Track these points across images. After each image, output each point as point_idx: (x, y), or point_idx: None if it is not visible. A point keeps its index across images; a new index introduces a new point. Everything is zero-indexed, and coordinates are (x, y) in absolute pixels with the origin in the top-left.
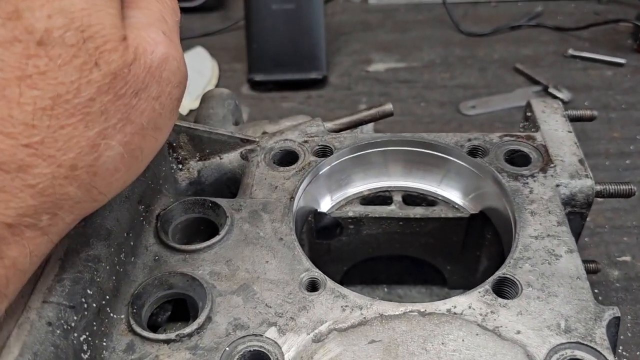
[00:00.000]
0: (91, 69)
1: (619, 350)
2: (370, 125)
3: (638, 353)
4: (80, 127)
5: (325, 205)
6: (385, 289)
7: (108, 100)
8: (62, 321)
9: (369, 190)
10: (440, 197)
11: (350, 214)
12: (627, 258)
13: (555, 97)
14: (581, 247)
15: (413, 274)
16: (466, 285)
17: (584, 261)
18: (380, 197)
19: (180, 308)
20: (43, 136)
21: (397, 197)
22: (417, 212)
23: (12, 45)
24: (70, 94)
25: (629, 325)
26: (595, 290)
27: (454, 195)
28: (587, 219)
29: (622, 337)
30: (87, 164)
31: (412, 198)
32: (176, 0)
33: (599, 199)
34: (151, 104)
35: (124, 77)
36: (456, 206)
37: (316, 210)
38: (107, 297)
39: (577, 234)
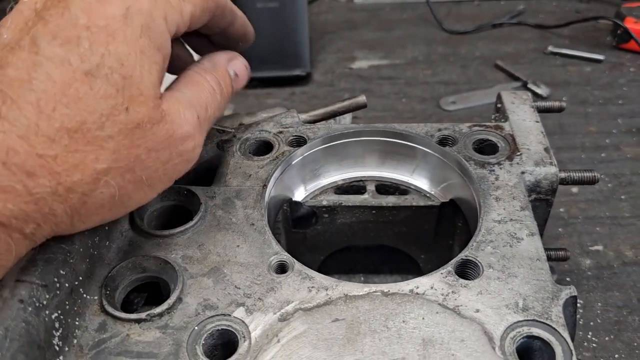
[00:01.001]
0: (121, 111)
1: (589, 336)
2: (349, 118)
3: (607, 339)
4: (91, 157)
5: (299, 194)
6: (362, 278)
7: (123, 144)
8: (34, 299)
9: (342, 180)
10: (412, 187)
11: (325, 202)
12: (599, 247)
13: (534, 92)
14: (554, 236)
15: (389, 264)
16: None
17: (554, 249)
18: (354, 187)
19: (156, 295)
20: (57, 153)
21: (371, 187)
22: (390, 200)
23: (62, 65)
24: (95, 124)
25: (598, 312)
26: (567, 279)
27: (425, 184)
28: (561, 210)
29: (591, 323)
30: (83, 192)
31: (386, 187)
32: (226, 101)
33: (573, 190)
34: (157, 165)
35: (145, 130)
36: (427, 195)
37: (291, 199)
38: (80, 278)
39: (543, 220)
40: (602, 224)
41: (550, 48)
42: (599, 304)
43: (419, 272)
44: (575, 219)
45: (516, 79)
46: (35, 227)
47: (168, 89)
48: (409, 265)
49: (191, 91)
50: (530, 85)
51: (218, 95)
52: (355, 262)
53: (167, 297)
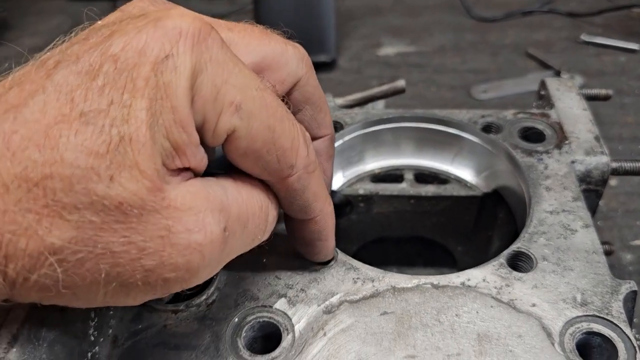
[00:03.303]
0: (101, 178)
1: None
2: (381, 105)
3: None
4: (45, 223)
5: (336, 181)
6: (395, 270)
7: (90, 222)
8: None
9: (380, 168)
10: (452, 176)
11: (361, 191)
12: None
13: None
14: None
15: (423, 256)
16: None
17: None
18: (392, 176)
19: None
20: (7, 208)
21: (409, 176)
22: (429, 190)
23: (65, 98)
24: (62, 183)
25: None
26: None
27: (466, 173)
28: (601, 202)
29: (635, 319)
30: (21, 266)
31: (424, 176)
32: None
33: (612, 183)
34: (133, 268)
35: (127, 216)
36: (468, 185)
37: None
38: None
39: (592, 212)
40: None
41: (583, 37)
42: None
43: (454, 264)
44: (615, 212)
45: (548, 67)
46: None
47: (205, 174)
48: (443, 258)
49: (231, 190)
50: (563, 75)
51: (269, 214)
52: (388, 254)
53: (204, 286)
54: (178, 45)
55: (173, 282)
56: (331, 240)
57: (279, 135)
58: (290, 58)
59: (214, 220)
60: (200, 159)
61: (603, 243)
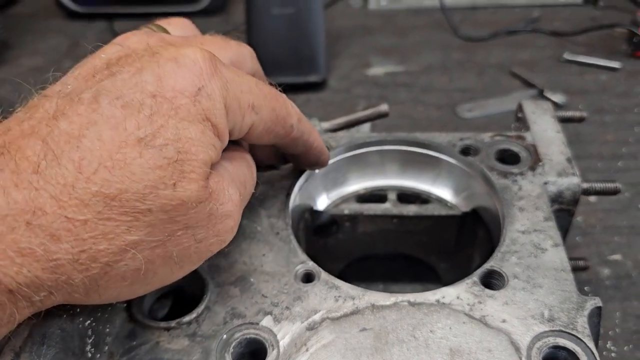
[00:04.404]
0: (167, 185)
1: (607, 346)
2: (367, 127)
3: (625, 348)
4: (123, 227)
5: (321, 203)
6: (381, 286)
7: (161, 219)
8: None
9: (364, 188)
10: (433, 196)
11: (346, 211)
12: (618, 257)
13: (550, 100)
14: (573, 246)
15: (408, 273)
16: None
17: (574, 258)
18: (376, 196)
19: (176, 308)
20: (88, 218)
21: (392, 196)
22: (411, 210)
23: (117, 127)
24: (136, 195)
25: (617, 321)
26: (586, 288)
27: (446, 193)
28: (579, 219)
29: (610, 332)
30: (107, 262)
31: (407, 197)
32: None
33: (591, 200)
34: (190, 243)
35: (188, 209)
36: (449, 204)
37: (312, 207)
38: None
39: (564, 230)
40: (621, 233)
41: (566, 55)
42: (618, 313)
43: (438, 281)
44: (593, 228)
45: (532, 86)
46: (46, 295)
47: None
48: (428, 274)
49: (232, 166)
50: (546, 93)
51: (254, 171)
52: (374, 271)
53: (192, 303)
54: (203, 77)
55: (217, 245)
56: (325, 149)
57: (279, 110)
58: (246, 56)
59: (233, 190)
60: None
61: (578, 259)
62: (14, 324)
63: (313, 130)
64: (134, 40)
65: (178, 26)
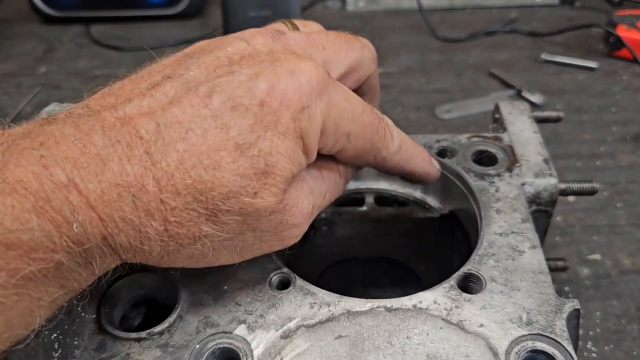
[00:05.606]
0: (249, 193)
1: (588, 346)
2: None
3: (606, 348)
4: (202, 219)
5: None
6: (361, 290)
7: (235, 220)
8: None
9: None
10: (411, 198)
11: (323, 215)
12: (597, 256)
13: (528, 100)
14: (552, 246)
15: (388, 276)
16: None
17: (553, 259)
18: (353, 199)
19: (151, 316)
20: (177, 205)
21: (369, 199)
22: (389, 212)
23: (221, 129)
24: (220, 196)
25: (597, 321)
26: (566, 288)
27: (424, 196)
28: (559, 218)
29: (591, 332)
30: (180, 244)
31: (384, 199)
32: (343, 186)
33: (570, 199)
34: (254, 242)
35: (261, 216)
36: (427, 206)
37: None
38: (78, 295)
39: (543, 231)
40: (600, 232)
41: (544, 56)
42: (598, 313)
43: (419, 283)
44: (573, 228)
45: (510, 86)
46: (131, 257)
47: None
48: (408, 277)
49: (315, 177)
50: (524, 93)
51: (340, 182)
52: (353, 274)
53: (166, 311)
54: (312, 97)
55: (278, 247)
56: (432, 167)
57: (375, 143)
58: (366, 60)
59: (307, 202)
60: None
61: (558, 260)
62: (109, 273)
63: (414, 157)
64: (260, 40)
65: (307, 26)
